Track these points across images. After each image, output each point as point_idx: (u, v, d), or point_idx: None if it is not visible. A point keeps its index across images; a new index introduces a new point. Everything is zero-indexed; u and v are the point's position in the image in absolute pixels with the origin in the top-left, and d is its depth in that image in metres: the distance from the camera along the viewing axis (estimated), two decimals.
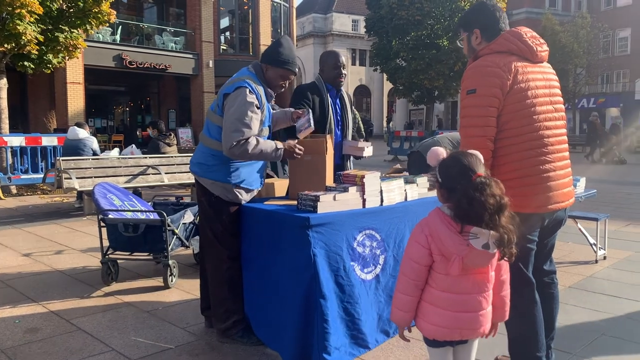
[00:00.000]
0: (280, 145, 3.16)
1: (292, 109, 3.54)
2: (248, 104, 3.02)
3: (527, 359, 2.63)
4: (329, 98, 4.04)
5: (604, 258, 5.36)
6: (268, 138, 3.36)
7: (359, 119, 4.60)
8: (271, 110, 3.36)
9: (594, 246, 5.31)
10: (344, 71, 4.06)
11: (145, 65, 20.27)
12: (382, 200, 3.20)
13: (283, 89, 3.36)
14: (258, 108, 3.08)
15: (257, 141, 3.06)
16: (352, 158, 4.28)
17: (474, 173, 1.97)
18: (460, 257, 1.96)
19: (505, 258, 2.02)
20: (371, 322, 3.13)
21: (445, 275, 2.02)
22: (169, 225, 4.38)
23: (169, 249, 4.41)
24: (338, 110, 4.13)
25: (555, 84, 2.61)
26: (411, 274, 2.07)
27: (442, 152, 2.14)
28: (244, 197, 3.25)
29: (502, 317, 2.22)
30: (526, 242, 2.51)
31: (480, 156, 2.10)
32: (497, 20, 2.60)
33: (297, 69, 3.32)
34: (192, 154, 3.47)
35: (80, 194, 8.28)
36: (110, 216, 4.46)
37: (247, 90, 3.06)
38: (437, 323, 2.06)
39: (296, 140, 3.28)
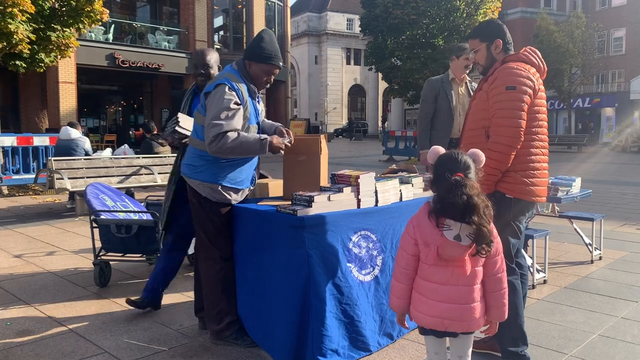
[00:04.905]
0: (264, 135, 3.07)
1: (279, 125, 3.37)
2: (226, 100, 2.99)
3: (509, 341, 2.89)
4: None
5: (600, 258, 5.36)
6: None
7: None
8: (257, 107, 3.30)
9: (589, 246, 5.31)
10: (210, 70, 3.66)
11: (138, 65, 20.20)
12: (377, 201, 3.17)
13: (269, 85, 3.31)
14: (238, 104, 3.05)
15: (238, 134, 3.01)
16: None
17: (452, 174, 2.14)
18: (435, 246, 2.14)
19: (480, 254, 2.13)
20: (372, 325, 3.09)
21: (428, 265, 2.20)
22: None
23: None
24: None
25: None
26: (401, 261, 2.28)
27: (440, 150, 2.31)
28: (233, 198, 3.21)
29: (500, 316, 2.30)
30: (517, 230, 2.93)
31: (481, 156, 2.30)
32: (509, 36, 3.06)
33: (281, 63, 3.24)
34: None
35: (72, 195, 8.22)
36: (102, 217, 4.41)
37: (226, 87, 3.03)
38: (421, 310, 2.23)
39: (288, 139, 3.18)
